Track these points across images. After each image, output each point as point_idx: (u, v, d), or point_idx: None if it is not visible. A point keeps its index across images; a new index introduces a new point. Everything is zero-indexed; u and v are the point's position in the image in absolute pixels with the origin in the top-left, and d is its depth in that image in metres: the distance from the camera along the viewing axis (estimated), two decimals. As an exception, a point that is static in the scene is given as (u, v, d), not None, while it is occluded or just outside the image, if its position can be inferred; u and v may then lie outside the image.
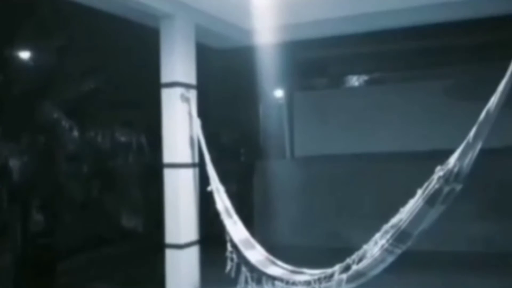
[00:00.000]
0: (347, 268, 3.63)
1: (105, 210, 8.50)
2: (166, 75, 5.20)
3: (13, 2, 6.71)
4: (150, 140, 8.85)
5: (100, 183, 8.58)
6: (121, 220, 8.85)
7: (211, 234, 5.24)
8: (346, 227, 7.45)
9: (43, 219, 7.58)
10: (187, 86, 5.23)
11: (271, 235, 7.58)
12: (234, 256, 4.47)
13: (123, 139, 9.04)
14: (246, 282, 4.35)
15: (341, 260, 3.75)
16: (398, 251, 3.38)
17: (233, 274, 4.45)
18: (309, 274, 4.01)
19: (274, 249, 4.64)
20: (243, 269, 4.37)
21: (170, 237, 5.13)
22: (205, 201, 5.19)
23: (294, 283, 4.03)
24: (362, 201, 7.59)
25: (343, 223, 7.66)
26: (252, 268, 4.34)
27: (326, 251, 5.94)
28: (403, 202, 3.40)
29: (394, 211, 3.46)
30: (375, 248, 3.44)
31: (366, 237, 3.66)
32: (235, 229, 4.61)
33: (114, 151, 8.94)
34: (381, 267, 3.49)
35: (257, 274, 4.30)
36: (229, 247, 4.50)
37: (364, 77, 10.44)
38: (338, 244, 6.76)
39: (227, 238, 4.54)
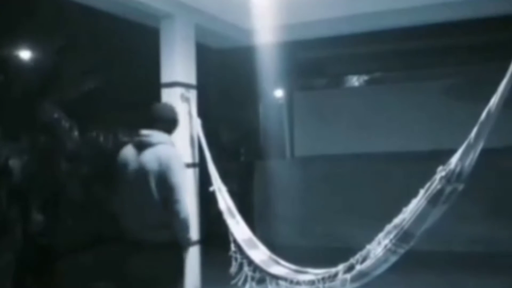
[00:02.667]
0: (350, 268, 3.64)
1: (105, 210, 8.48)
2: (166, 75, 5.20)
3: (13, 2, 6.70)
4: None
5: (101, 183, 8.56)
6: (121, 219, 8.83)
7: (212, 234, 5.24)
8: (346, 227, 7.45)
9: (43, 219, 7.57)
10: (187, 86, 5.23)
11: (271, 235, 7.57)
12: (238, 255, 4.47)
13: (123, 139, 9.02)
14: (246, 281, 4.36)
15: (341, 260, 3.76)
16: (401, 251, 3.39)
17: (235, 274, 4.45)
18: (313, 273, 4.01)
19: (274, 249, 4.64)
20: (245, 268, 4.38)
21: (170, 237, 5.12)
22: (205, 201, 5.19)
23: (298, 283, 4.03)
24: (362, 201, 7.60)
25: (343, 223, 7.66)
26: (255, 268, 4.34)
27: (326, 251, 5.95)
28: (404, 202, 3.40)
29: (394, 211, 3.46)
30: (378, 248, 3.45)
31: (366, 237, 3.66)
32: (238, 228, 4.62)
33: (114, 151, 8.92)
34: (385, 267, 3.51)
35: (261, 274, 4.30)
36: (232, 247, 4.50)
37: (364, 77, 10.45)
38: (338, 244, 6.77)
39: (231, 238, 4.53)
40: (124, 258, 3.46)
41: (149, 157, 3.28)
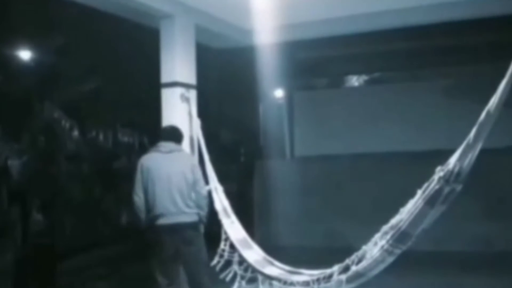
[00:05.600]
0: (346, 269, 3.62)
1: (105, 210, 8.50)
2: (166, 75, 5.20)
3: (12, 2, 6.71)
4: (151, 140, 8.84)
5: (101, 183, 8.57)
6: (121, 219, 8.85)
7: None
8: (346, 227, 7.45)
9: (43, 219, 7.58)
10: (187, 86, 5.23)
11: (271, 235, 7.58)
12: (225, 254, 4.49)
13: (123, 139, 9.03)
14: (235, 280, 4.37)
15: (341, 260, 3.75)
16: (398, 251, 3.38)
17: (218, 270, 4.47)
18: (307, 274, 4.00)
19: (274, 249, 4.64)
20: (235, 267, 4.39)
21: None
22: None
23: (292, 283, 4.02)
24: (362, 201, 7.59)
25: (342, 223, 7.65)
26: (249, 268, 4.34)
27: (326, 251, 5.95)
28: (403, 202, 3.39)
29: (394, 211, 3.45)
30: (374, 248, 3.44)
31: (366, 237, 3.65)
32: (233, 228, 4.62)
33: (114, 151, 8.94)
34: (381, 267, 3.49)
35: (253, 274, 4.30)
36: (222, 245, 4.52)
37: (364, 77, 10.44)
38: (338, 244, 6.77)
39: (224, 237, 4.54)
40: (162, 238, 4.19)
41: (179, 159, 4.36)
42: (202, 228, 4.39)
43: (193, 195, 4.26)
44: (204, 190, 4.39)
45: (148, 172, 4.25)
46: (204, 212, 4.35)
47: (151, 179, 4.23)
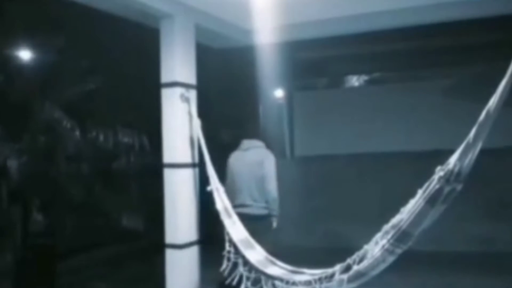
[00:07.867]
0: (348, 268, 3.61)
1: (105, 210, 8.49)
2: (166, 75, 5.20)
3: (13, 2, 6.71)
4: (150, 140, 8.84)
5: (101, 183, 8.57)
6: (121, 220, 8.84)
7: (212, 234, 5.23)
8: (346, 227, 7.45)
9: (43, 219, 7.58)
10: (187, 86, 5.23)
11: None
12: (231, 255, 4.47)
13: (123, 139, 9.02)
14: (241, 281, 4.35)
15: (341, 260, 3.75)
16: (399, 251, 3.37)
17: (228, 274, 4.45)
18: (309, 274, 3.99)
19: (274, 249, 4.64)
20: (240, 269, 4.37)
21: (169, 237, 5.14)
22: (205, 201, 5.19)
23: (294, 283, 4.01)
24: (362, 200, 7.60)
25: (343, 223, 7.66)
26: (251, 268, 4.34)
27: (326, 251, 5.95)
28: (403, 202, 3.39)
29: (394, 211, 3.45)
30: (376, 248, 3.43)
31: (366, 237, 3.65)
32: (235, 228, 4.62)
33: (114, 151, 8.93)
34: (382, 267, 3.48)
35: (256, 274, 4.29)
36: (227, 247, 4.51)
37: (364, 77, 10.44)
38: (338, 244, 6.78)
39: (226, 238, 4.54)
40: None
41: (252, 156, 4.94)
42: (273, 222, 4.81)
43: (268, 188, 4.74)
44: (270, 185, 4.77)
45: (229, 168, 4.99)
46: (273, 206, 4.78)
47: (231, 174, 4.95)
